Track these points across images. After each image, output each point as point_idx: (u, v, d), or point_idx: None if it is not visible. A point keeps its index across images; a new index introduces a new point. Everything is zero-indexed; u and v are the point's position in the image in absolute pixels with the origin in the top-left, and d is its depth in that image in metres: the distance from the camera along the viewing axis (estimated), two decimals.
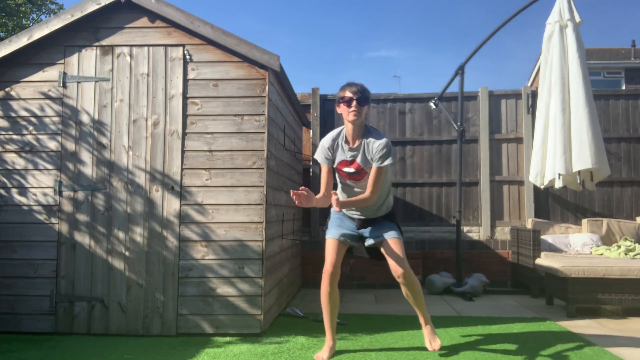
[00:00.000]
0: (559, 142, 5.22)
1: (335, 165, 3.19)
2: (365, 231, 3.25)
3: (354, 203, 3.11)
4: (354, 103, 3.03)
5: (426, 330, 3.34)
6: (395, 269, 3.11)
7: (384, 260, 3.25)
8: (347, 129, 3.14)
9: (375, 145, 3.05)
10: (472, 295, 5.34)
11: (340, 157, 3.16)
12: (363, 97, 3.05)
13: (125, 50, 3.85)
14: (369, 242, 3.23)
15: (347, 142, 3.15)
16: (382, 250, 3.20)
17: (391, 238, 3.16)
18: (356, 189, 3.21)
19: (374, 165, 3.07)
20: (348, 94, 3.06)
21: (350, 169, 3.13)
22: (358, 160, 3.11)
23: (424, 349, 3.33)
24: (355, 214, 3.26)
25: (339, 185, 3.31)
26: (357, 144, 3.11)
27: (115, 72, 3.84)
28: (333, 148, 3.17)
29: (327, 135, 3.23)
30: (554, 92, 5.34)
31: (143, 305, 3.72)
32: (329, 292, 3.15)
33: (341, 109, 3.11)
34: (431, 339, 3.30)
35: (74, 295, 3.75)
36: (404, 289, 3.21)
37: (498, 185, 6.40)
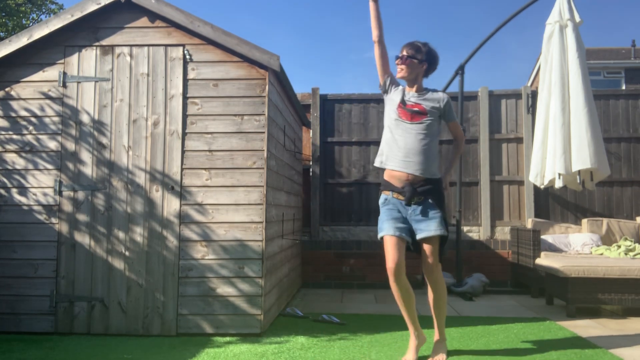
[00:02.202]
0: (559, 142, 5.22)
1: (397, 106, 3.21)
2: (414, 218, 3.13)
3: (457, 160, 3.43)
4: (398, 61, 3.24)
5: (438, 344, 3.19)
6: (428, 268, 3.10)
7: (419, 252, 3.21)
8: (408, 85, 3.32)
9: (444, 100, 3.26)
10: (472, 295, 5.34)
11: (404, 96, 3.23)
12: (409, 56, 3.21)
13: (125, 50, 3.85)
14: (419, 236, 3.12)
15: (409, 91, 3.28)
16: (423, 243, 3.14)
17: (436, 235, 3.10)
18: (410, 133, 3.15)
19: (453, 122, 3.33)
20: (399, 53, 3.26)
21: (415, 108, 3.20)
22: (423, 105, 3.21)
23: (424, 350, 3.33)
24: (406, 172, 3.12)
25: (390, 133, 3.21)
26: (421, 94, 3.26)
27: (115, 72, 3.84)
28: (394, 84, 3.29)
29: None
30: (554, 92, 5.33)
31: (143, 305, 3.72)
32: (398, 288, 3.10)
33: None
34: (437, 355, 3.14)
35: (74, 295, 3.75)
36: (430, 290, 3.15)
37: (498, 185, 6.40)
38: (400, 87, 3.28)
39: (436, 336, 3.22)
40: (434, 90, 3.29)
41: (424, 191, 3.11)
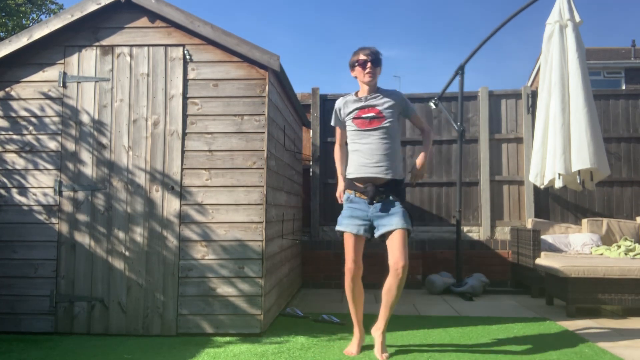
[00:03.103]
0: (559, 142, 5.23)
1: (352, 118, 3.27)
2: (376, 215, 3.20)
3: (428, 150, 3.43)
4: (369, 65, 3.21)
5: (382, 338, 3.22)
6: (398, 261, 3.08)
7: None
8: (362, 90, 3.31)
9: (398, 96, 3.29)
10: (472, 295, 5.34)
11: (356, 106, 3.27)
12: (376, 58, 3.23)
13: (125, 50, 3.85)
14: (379, 232, 3.19)
15: (361, 96, 3.31)
16: (387, 239, 3.17)
17: (399, 229, 3.13)
18: (372, 139, 3.21)
19: (413, 114, 3.41)
20: (362, 57, 3.22)
21: (371, 114, 3.24)
22: (378, 107, 3.24)
23: (424, 350, 3.33)
24: (373, 176, 3.20)
25: (353, 145, 3.29)
26: (373, 95, 3.29)
27: (115, 72, 3.84)
28: (344, 107, 3.33)
29: (339, 99, 3.39)
30: (554, 92, 5.34)
31: (143, 305, 3.72)
32: (352, 288, 3.29)
33: (356, 72, 3.28)
34: (383, 349, 3.20)
35: (74, 295, 3.75)
36: (393, 283, 3.11)
37: (498, 185, 6.40)
38: (346, 103, 3.32)
39: (381, 325, 3.24)
40: (387, 90, 3.33)
41: (386, 190, 3.20)
